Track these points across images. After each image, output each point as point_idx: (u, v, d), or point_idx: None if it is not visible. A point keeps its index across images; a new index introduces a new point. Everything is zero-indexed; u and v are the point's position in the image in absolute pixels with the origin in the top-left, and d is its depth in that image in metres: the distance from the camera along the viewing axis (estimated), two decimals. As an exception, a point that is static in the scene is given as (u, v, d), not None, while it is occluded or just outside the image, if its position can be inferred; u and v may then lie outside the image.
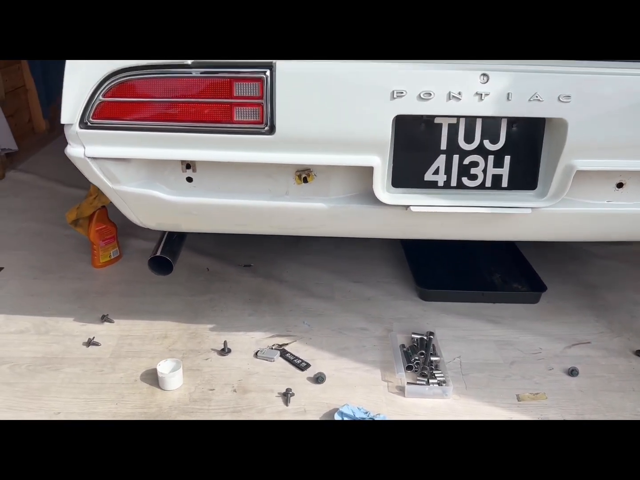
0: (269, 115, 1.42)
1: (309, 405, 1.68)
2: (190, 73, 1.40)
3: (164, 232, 1.87)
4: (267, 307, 2.16)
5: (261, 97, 1.41)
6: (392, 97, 1.40)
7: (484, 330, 2.05)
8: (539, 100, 1.40)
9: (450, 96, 1.40)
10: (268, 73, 1.41)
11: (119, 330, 2.01)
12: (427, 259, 2.40)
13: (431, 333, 1.96)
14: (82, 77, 1.40)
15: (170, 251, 1.75)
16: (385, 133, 1.44)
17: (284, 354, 1.88)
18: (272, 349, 1.91)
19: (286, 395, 1.68)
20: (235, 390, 1.74)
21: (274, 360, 1.86)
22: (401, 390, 1.74)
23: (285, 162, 1.46)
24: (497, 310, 2.18)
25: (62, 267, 2.40)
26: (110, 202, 1.63)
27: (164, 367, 1.72)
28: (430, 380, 1.75)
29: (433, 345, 1.89)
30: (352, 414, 1.58)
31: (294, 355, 1.88)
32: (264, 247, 2.58)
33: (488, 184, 1.53)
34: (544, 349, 1.97)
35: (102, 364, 1.84)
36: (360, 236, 1.76)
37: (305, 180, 1.51)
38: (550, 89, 1.40)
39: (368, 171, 1.51)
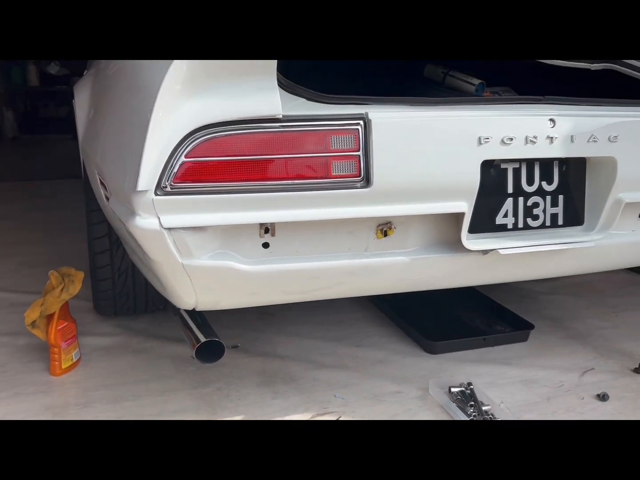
0: (364, 167, 1.34)
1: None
2: (281, 127, 1.27)
3: (182, 317, 1.61)
4: (286, 386, 1.96)
5: (357, 149, 1.33)
6: (479, 143, 1.42)
7: (503, 373, 2.09)
8: (595, 141, 1.53)
9: (527, 140, 1.46)
10: (362, 123, 1.34)
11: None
12: (413, 313, 2.41)
13: (469, 383, 1.93)
14: (163, 135, 1.19)
15: (213, 332, 1.51)
16: (475, 178, 1.44)
17: (340, 432, 1.70)
18: (324, 429, 1.72)
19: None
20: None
21: (334, 442, 1.67)
22: (476, 446, 1.67)
23: (378, 215, 1.38)
24: (497, 353, 2.24)
25: (11, 383, 1.94)
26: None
27: None
28: (498, 430, 1.71)
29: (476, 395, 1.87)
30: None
31: (351, 432, 1.71)
32: (240, 324, 2.37)
33: (548, 223, 1.61)
34: (563, 380, 2.06)
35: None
36: (436, 287, 1.71)
37: (385, 234, 1.43)
38: (603, 130, 1.53)
39: (452, 218, 1.49)
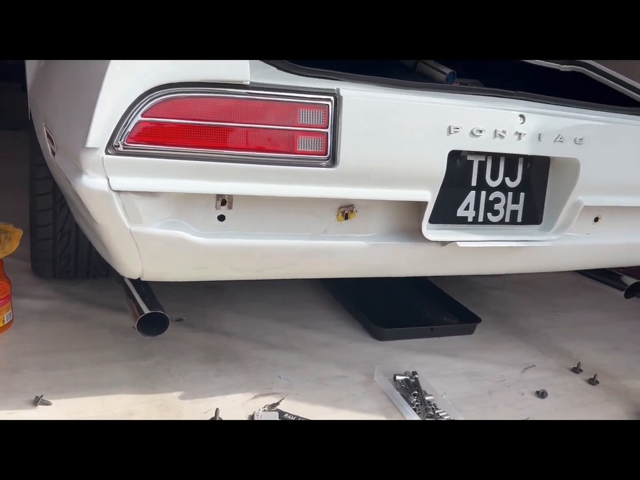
0: (331, 145, 1.29)
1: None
2: (247, 95, 1.20)
3: (126, 286, 1.54)
4: (230, 364, 1.91)
5: (326, 126, 1.27)
6: (449, 132, 1.39)
7: (447, 364, 2.10)
8: (561, 141, 1.52)
9: (496, 134, 1.44)
10: (333, 99, 1.28)
11: (63, 414, 1.58)
12: (364, 299, 2.39)
13: (414, 372, 1.93)
14: (120, 89, 1.10)
15: (157, 304, 1.44)
16: (441, 168, 1.41)
17: (282, 414, 1.68)
18: (266, 411, 1.68)
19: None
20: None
21: (275, 424, 1.64)
22: (417, 436, 1.67)
23: (341, 196, 1.33)
24: (443, 344, 2.25)
25: None
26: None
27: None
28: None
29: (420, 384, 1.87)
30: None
31: (293, 415, 1.68)
32: (187, 298, 2.30)
33: (507, 219, 1.60)
34: (505, 375, 2.08)
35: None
36: (391, 275, 1.68)
37: (346, 217, 1.39)
38: (570, 132, 1.53)
39: (414, 207, 1.46)
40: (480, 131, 1.43)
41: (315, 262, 1.45)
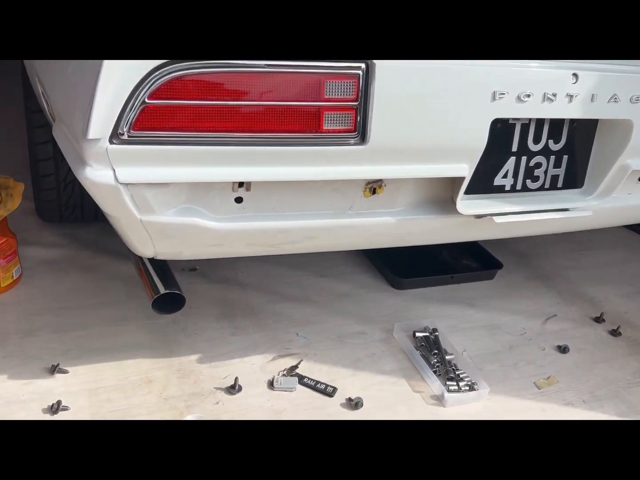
0: (361, 121, 1.14)
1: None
2: (266, 67, 1.04)
3: (140, 259, 1.45)
4: (247, 321, 1.87)
5: (356, 99, 1.12)
6: (493, 99, 1.23)
7: (467, 316, 2.05)
8: (616, 101, 1.35)
9: (545, 97, 1.28)
10: (364, 67, 1.11)
11: (81, 382, 1.56)
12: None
13: (435, 330, 1.88)
14: (121, 69, 0.94)
15: (173, 283, 1.36)
16: (482, 138, 1.27)
17: (301, 379, 1.65)
18: (285, 375, 1.65)
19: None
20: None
21: (294, 390, 1.62)
22: (438, 400, 1.66)
23: (370, 177, 1.20)
24: (464, 292, 2.19)
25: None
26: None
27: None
28: (460, 384, 1.70)
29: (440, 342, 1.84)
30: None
31: (313, 380, 1.66)
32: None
33: (547, 185, 1.47)
34: (526, 328, 2.04)
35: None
36: (419, 244, 1.58)
37: (374, 192, 1.27)
38: (626, 91, 1.36)
39: (447, 179, 1.33)
40: (528, 95, 1.27)
41: (338, 237, 1.35)
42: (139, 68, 0.98)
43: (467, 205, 1.39)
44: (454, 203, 1.34)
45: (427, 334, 1.88)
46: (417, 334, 1.87)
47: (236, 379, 1.58)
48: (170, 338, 1.74)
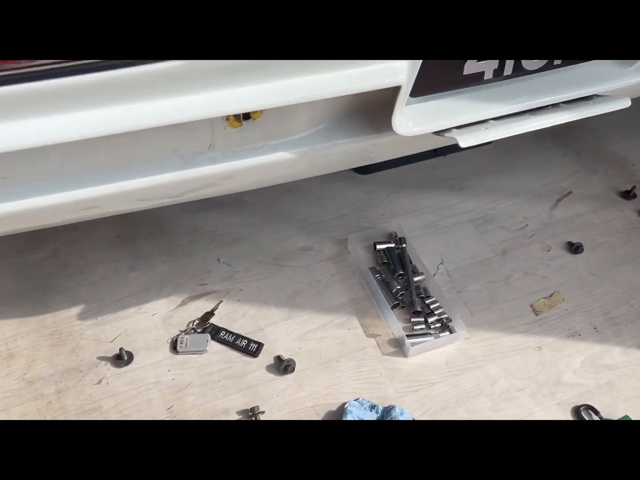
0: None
1: (292, 418, 1.15)
2: None
3: None
4: (151, 245, 1.43)
5: None
6: None
7: (449, 206, 1.57)
8: None
9: None
10: None
11: None
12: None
13: (402, 239, 1.41)
14: None
15: None
16: None
17: (216, 334, 1.25)
18: (194, 330, 1.25)
19: (254, 418, 1.12)
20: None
21: (206, 351, 1.23)
22: (398, 347, 1.26)
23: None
24: (450, 170, 1.67)
25: None
26: None
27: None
28: (430, 319, 1.28)
29: (409, 256, 1.38)
30: (356, 416, 1.09)
31: (231, 333, 1.26)
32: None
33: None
34: (528, 217, 1.55)
35: None
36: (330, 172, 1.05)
37: (247, 118, 0.71)
38: None
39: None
40: None
41: (205, 192, 0.82)
42: None
43: (410, 122, 0.81)
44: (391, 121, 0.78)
45: (392, 246, 1.42)
46: (378, 247, 1.42)
47: (121, 349, 1.19)
48: (48, 282, 1.32)
